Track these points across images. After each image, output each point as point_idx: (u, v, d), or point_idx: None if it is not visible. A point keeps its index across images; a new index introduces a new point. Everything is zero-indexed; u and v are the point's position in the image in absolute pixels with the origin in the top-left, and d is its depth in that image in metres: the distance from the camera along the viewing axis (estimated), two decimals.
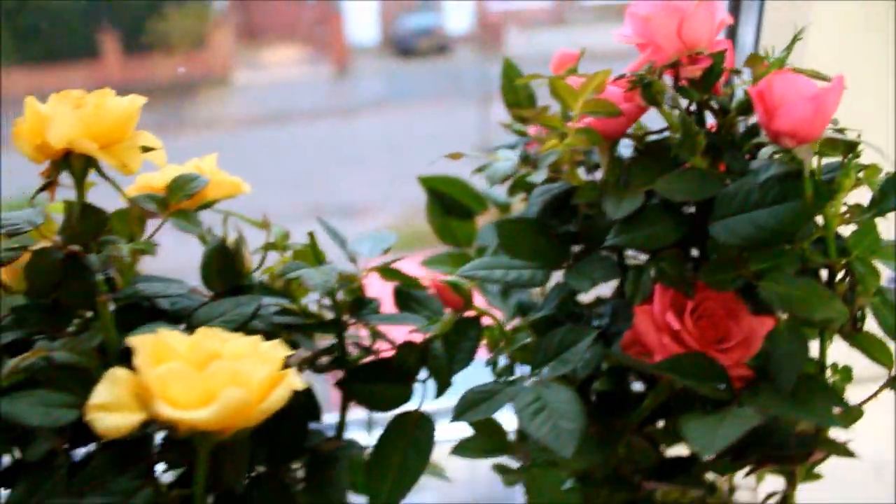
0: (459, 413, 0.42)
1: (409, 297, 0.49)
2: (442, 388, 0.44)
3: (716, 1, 0.45)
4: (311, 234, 0.46)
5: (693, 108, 0.47)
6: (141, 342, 0.34)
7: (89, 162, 0.44)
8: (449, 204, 0.63)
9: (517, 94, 0.60)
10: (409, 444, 0.42)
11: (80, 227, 0.44)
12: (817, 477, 0.49)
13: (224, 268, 0.46)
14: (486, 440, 0.46)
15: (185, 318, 0.43)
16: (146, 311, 0.45)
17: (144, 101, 0.44)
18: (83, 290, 0.44)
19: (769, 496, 0.50)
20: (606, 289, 0.52)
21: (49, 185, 0.45)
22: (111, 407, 0.33)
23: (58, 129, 0.41)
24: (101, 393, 0.33)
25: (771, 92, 0.39)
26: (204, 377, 0.32)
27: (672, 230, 0.43)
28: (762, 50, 0.44)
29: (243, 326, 0.42)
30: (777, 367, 0.40)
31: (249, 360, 0.33)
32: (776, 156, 0.41)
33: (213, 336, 0.36)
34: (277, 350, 0.35)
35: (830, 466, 0.48)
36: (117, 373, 0.34)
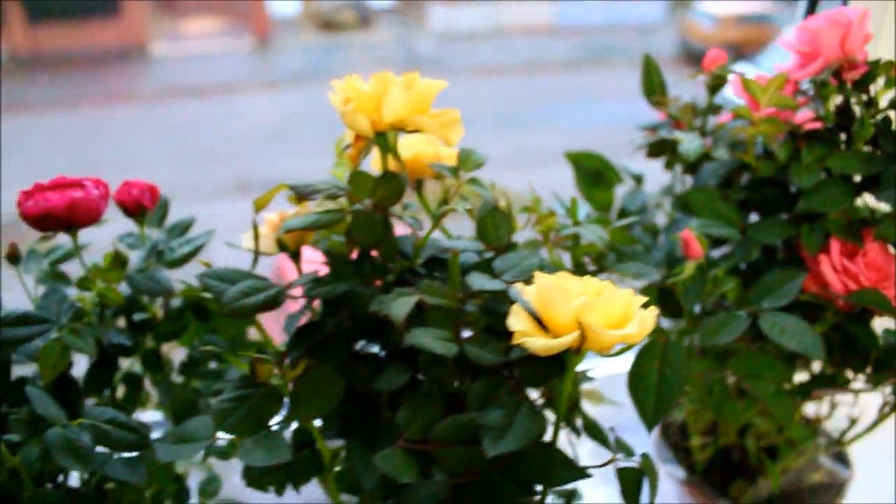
0: (706, 338, 0.53)
1: (624, 253, 0.60)
2: (686, 318, 0.55)
3: (865, 16, 0.58)
4: (573, 200, 0.55)
5: (839, 102, 0.60)
6: (545, 283, 0.43)
7: (396, 135, 0.51)
8: (591, 175, 0.74)
9: (653, 84, 0.72)
10: (664, 364, 0.53)
11: (386, 191, 0.51)
12: None
13: (499, 226, 0.54)
14: (703, 362, 0.58)
15: (484, 268, 0.52)
16: (440, 263, 0.54)
17: (445, 85, 0.52)
18: (394, 246, 0.52)
19: (885, 404, 0.65)
20: None
21: (359, 155, 0.51)
22: (529, 333, 0.42)
23: (391, 107, 0.48)
24: (517, 324, 0.42)
25: None
26: (603, 306, 0.42)
27: (843, 197, 0.57)
28: None
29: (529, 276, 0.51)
30: None
31: (626, 294, 0.43)
32: None
33: (570, 277, 0.45)
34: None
35: None
36: (517, 309, 0.43)
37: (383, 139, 0.51)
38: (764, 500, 0.68)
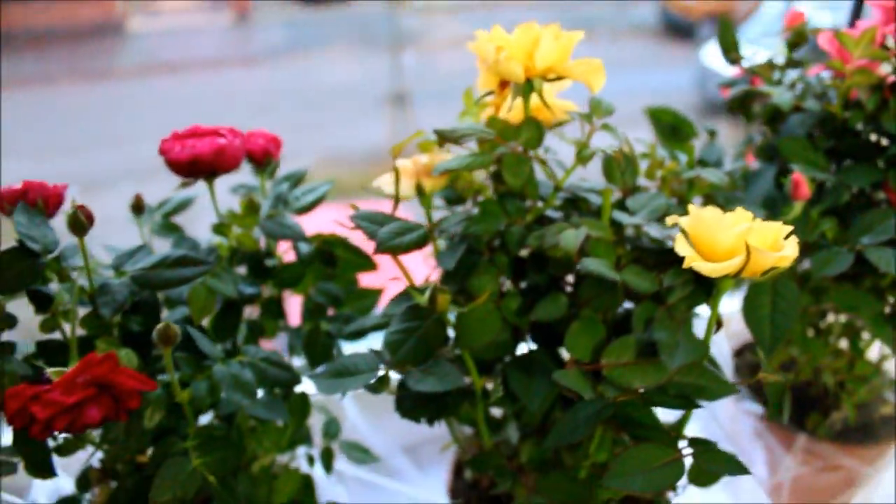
0: (817, 270, 0.58)
1: (728, 196, 0.64)
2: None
3: None
4: (690, 148, 0.59)
5: None
6: (704, 214, 0.46)
7: (542, 82, 0.54)
8: (669, 129, 0.77)
9: (728, 42, 0.75)
10: (776, 296, 0.57)
11: (530, 135, 0.54)
12: None
13: (625, 171, 0.58)
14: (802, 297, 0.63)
15: (619, 208, 0.55)
16: (573, 204, 0.57)
17: (581, 36, 0.54)
18: (536, 187, 0.55)
19: None
20: None
21: (503, 101, 0.54)
22: (696, 258, 0.45)
23: (544, 54, 0.51)
24: (686, 250, 0.45)
25: None
26: (759, 232, 0.45)
27: None
28: None
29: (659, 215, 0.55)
30: None
31: (774, 223, 0.47)
32: None
33: (719, 211, 0.48)
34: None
35: None
36: (682, 238, 0.46)
37: (529, 86, 0.53)
38: (838, 431, 0.74)
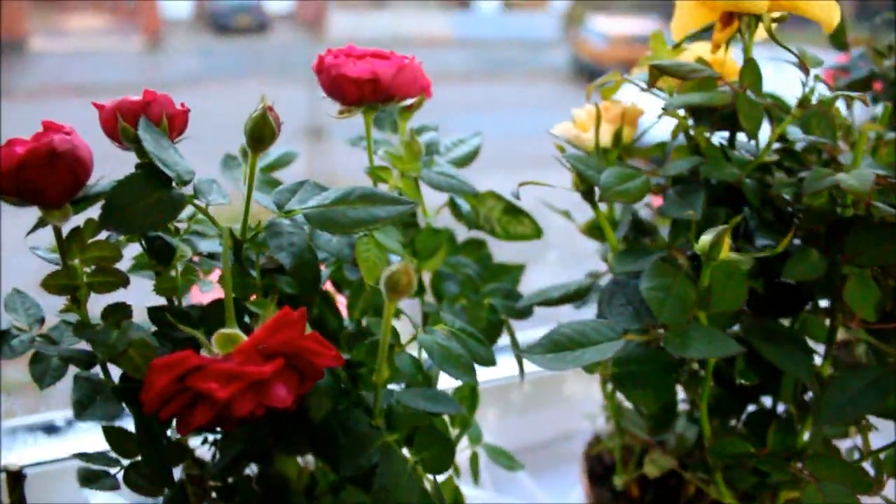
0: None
1: None
2: None
3: None
4: (887, 108, 0.55)
5: None
6: None
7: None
8: None
9: (839, 28, 0.74)
10: None
11: (752, 77, 0.48)
12: None
13: (827, 129, 0.52)
14: None
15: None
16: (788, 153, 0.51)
17: None
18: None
19: None
20: None
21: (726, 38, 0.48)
22: None
23: None
24: None
25: None
26: None
27: None
28: None
29: None
30: None
31: None
32: None
33: None
34: None
35: None
36: None
37: (756, 22, 0.48)
38: None
